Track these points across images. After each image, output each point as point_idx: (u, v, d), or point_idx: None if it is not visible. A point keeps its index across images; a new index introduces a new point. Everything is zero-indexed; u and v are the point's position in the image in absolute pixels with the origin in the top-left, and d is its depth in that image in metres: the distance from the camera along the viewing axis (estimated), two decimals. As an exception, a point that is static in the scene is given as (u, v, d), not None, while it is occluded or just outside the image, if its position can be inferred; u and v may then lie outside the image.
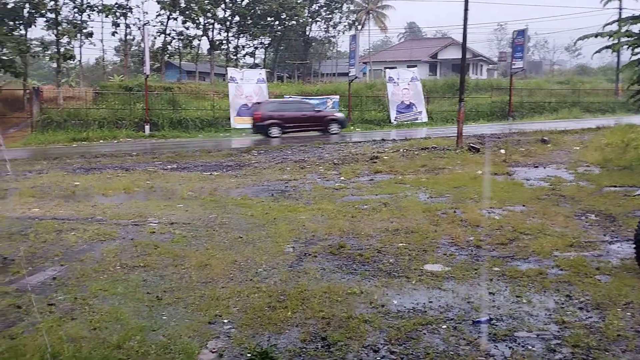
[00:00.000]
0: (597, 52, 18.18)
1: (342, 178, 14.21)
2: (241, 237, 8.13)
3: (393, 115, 32.85)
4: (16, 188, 13.28)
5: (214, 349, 4.45)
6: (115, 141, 26.50)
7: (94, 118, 29.02)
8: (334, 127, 26.39)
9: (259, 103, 26.83)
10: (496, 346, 4.39)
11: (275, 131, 25.09)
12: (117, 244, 7.87)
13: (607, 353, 4.21)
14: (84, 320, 5.02)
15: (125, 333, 4.68)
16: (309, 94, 34.36)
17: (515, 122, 30.53)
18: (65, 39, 35.11)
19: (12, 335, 4.67)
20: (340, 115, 27.96)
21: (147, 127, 28.33)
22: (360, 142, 22.08)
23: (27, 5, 32.89)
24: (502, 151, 17.40)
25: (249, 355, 4.25)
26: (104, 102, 31.60)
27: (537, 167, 14.95)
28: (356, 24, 59.87)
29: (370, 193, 11.86)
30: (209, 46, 47.30)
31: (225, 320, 5.05)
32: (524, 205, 9.91)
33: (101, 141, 26.42)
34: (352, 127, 30.39)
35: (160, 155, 19.57)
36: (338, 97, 32.51)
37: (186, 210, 10.37)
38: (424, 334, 4.66)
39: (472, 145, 17.96)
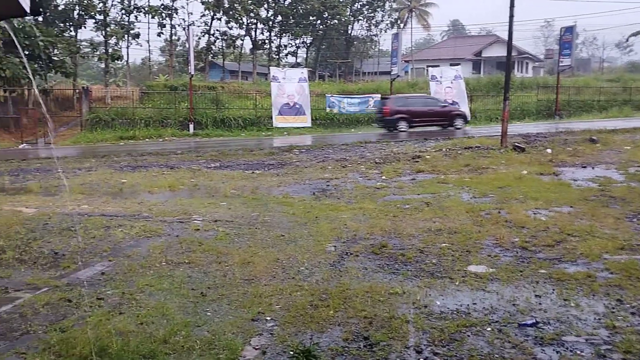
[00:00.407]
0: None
1: (383, 177, 14.14)
2: (283, 236, 8.19)
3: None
4: (67, 185, 13.72)
5: (257, 346, 4.50)
6: (161, 140, 27.07)
7: (140, 117, 29.71)
8: (459, 122, 27.26)
9: (386, 98, 27.95)
10: (543, 350, 4.29)
11: (402, 125, 26.07)
12: (162, 240, 8.04)
13: (661, 360, 4.06)
14: (131, 315, 5.15)
15: (171, 328, 4.78)
16: (350, 92, 34.32)
17: (562, 121, 29.76)
18: (113, 40, 36.09)
19: (62, 328, 4.82)
20: (464, 110, 28.88)
21: (191, 126, 28.83)
22: (402, 140, 21.91)
23: (77, 7, 33.96)
24: (549, 151, 16.98)
25: (291, 353, 4.28)
26: (150, 101, 32.32)
27: (585, 167, 14.53)
28: (398, 22, 59.44)
29: (412, 192, 11.76)
30: (251, 46, 47.78)
31: (268, 318, 5.09)
32: (571, 207, 9.65)
33: (147, 139, 27.03)
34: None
35: (204, 153, 19.89)
36: (380, 95, 32.32)
37: (229, 208, 10.50)
38: (468, 335, 4.60)
39: (517, 144, 17.59)
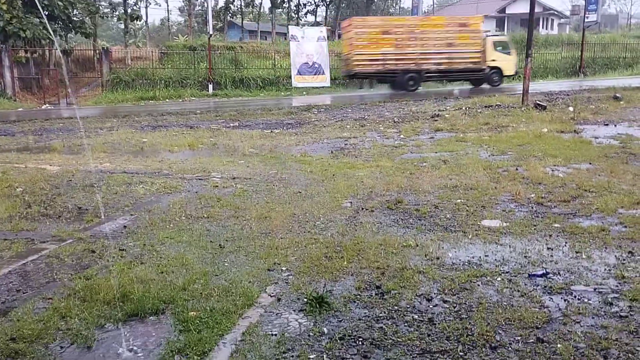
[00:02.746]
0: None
1: (402, 136, 14.13)
2: (300, 192, 8.31)
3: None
4: (89, 144, 13.98)
5: (273, 293, 4.65)
6: (181, 100, 27.21)
7: (160, 77, 29.82)
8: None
9: None
10: (551, 298, 4.37)
11: None
12: (182, 196, 8.22)
13: (667, 308, 4.12)
14: (152, 265, 5.34)
15: (190, 277, 4.96)
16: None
17: (586, 79, 29.12)
18: (132, 0, 35.95)
19: (87, 277, 5.03)
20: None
21: (210, 86, 28.88)
22: (422, 100, 21.74)
23: (95, -33, 33.80)
24: (570, 109, 16.73)
25: (305, 299, 4.43)
26: (169, 62, 32.34)
27: (607, 125, 14.33)
28: (420, -22, 58.01)
29: (430, 151, 11.77)
30: (270, 5, 47.21)
31: (284, 268, 5.24)
32: (590, 163, 9.59)
33: (167, 100, 27.19)
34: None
35: (223, 113, 19.99)
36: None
37: (247, 166, 10.64)
38: (478, 285, 4.69)
39: (538, 102, 17.35)
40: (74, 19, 30.55)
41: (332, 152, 12.14)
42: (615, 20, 68.57)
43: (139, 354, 3.70)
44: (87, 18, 32.44)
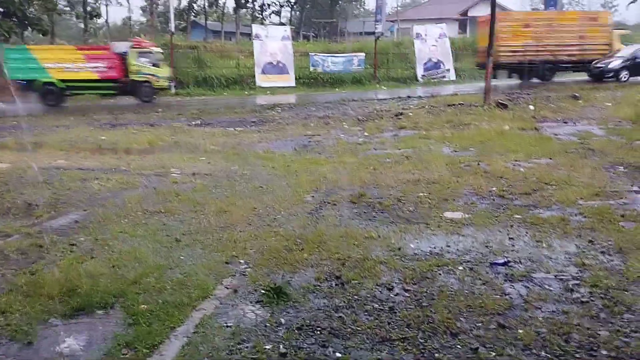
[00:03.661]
0: (632, 1, 17.38)
1: (365, 134, 14.07)
2: (261, 187, 8.14)
3: (420, 72, 32.17)
4: (44, 142, 13.50)
5: (229, 285, 4.48)
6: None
7: (120, 76, 29.07)
8: None
9: None
10: (512, 286, 4.32)
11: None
12: (139, 192, 7.95)
13: (626, 293, 4.10)
14: (103, 259, 5.10)
15: (143, 270, 4.75)
16: (335, 52, 33.84)
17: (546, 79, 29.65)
18: (91, -2, 35.14)
19: (32, 272, 4.77)
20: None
21: (172, 85, 28.36)
22: (385, 99, 21.80)
23: (53, -37, 32.88)
24: (531, 107, 16.96)
25: (262, 291, 4.27)
26: (131, 61, 31.57)
27: (566, 122, 14.54)
28: (384, -19, 58.38)
29: (394, 148, 11.73)
30: (234, 5, 46.86)
31: (242, 261, 5.08)
32: (550, 158, 9.67)
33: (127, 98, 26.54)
34: (377, 85, 29.96)
35: (185, 112, 19.66)
36: (364, 54, 31.93)
37: (208, 162, 10.41)
38: (440, 274, 4.62)
39: (500, 101, 17.54)
40: (30, 15, 29.65)
41: (295, 149, 11.99)
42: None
43: (84, 349, 3.49)
44: (44, 15, 31.52)
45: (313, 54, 31.41)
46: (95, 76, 23.61)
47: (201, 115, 18.71)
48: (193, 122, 17.15)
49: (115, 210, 6.91)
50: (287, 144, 12.89)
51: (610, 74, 25.63)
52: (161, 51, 25.54)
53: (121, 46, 24.22)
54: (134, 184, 8.45)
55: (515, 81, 28.59)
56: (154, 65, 23.87)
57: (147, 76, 23.57)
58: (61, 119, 18.08)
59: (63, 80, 23.10)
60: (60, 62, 23.35)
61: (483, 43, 26.63)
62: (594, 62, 26.38)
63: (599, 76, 25.91)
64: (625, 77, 25.40)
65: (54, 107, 22.67)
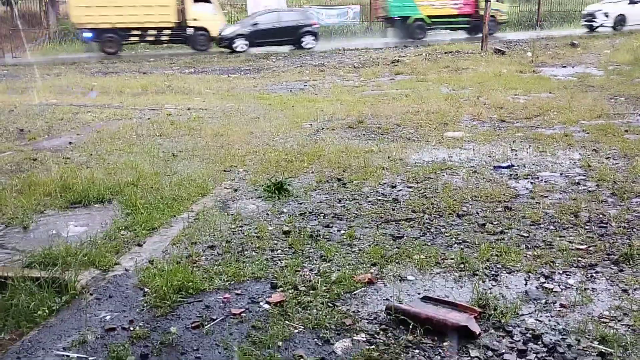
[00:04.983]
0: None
1: (362, 79, 13.87)
2: (258, 118, 8.00)
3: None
4: (35, 87, 13.25)
5: (229, 186, 4.39)
6: (133, 52, 26.14)
7: (111, 30, 28.54)
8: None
9: None
10: (517, 182, 4.24)
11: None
12: (133, 121, 7.80)
13: (633, 184, 4.03)
14: (98, 168, 4.99)
15: (139, 175, 4.64)
16: (328, 4, 33.19)
17: (543, 32, 29.25)
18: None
19: (26, 177, 4.65)
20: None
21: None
22: (381, 48, 21.49)
23: None
24: (529, 54, 16.73)
25: (262, 189, 4.18)
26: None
27: (565, 67, 14.34)
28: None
29: (391, 89, 11.55)
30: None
31: (241, 170, 4.98)
32: (550, 93, 9.56)
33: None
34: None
35: (177, 61, 19.33)
36: (359, 6, 31.31)
37: (203, 101, 10.23)
38: (443, 175, 4.54)
39: (497, 48, 17.30)
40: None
41: (291, 91, 11.81)
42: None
43: (81, 231, 3.40)
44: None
45: (307, 6, 30.77)
46: (455, 12, 24.69)
47: (194, 64, 18.40)
48: (186, 70, 16.87)
49: (109, 134, 6.76)
50: (282, 87, 12.70)
51: (225, 43, 21.97)
52: None
53: None
54: (128, 116, 8.29)
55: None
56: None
57: (494, 12, 24.15)
58: (53, 69, 17.71)
59: (430, 17, 24.36)
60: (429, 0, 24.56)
61: None
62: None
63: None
64: (243, 47, 21.68)
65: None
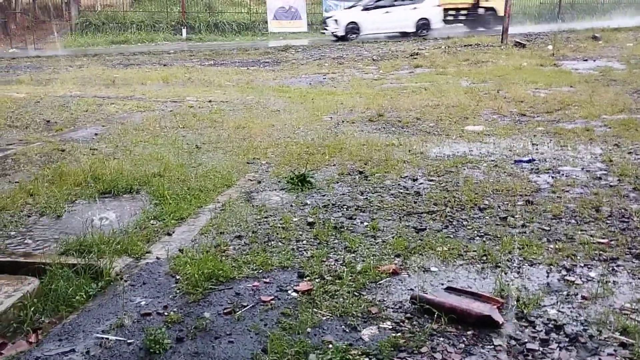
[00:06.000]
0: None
1: (381, 71, 13.89)
2: (278, 111, 8.09)
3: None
4: (58, 78, 13.47)
5: (252, 178, 4.48)
6: (154, 44, 26.37)
7: (131, 21, 28.82)
8: None
9: None
10: (538, 176, 4.28)
11: None
12: (156, 113, 7.93)
13: (657, 180, 4.05)
14: (125, 160, 5.11)
15: (165, 167, 4.75)
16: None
17: (564, 24, 28.92)
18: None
19: (56, 167, 4.78)
20: None
21: (184, 31, 28.00)
22: (400, 40, 21.44)
23: None
24: (550, 47, 16.59)
25: (285, 179, 4.27)
26: (140, 7, 31.23)
27: (586, 60, 14.22)
28: None
29: (410, 82, 11.57)
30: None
31: (264, 162, 5.07)
32: (571, 87, 9.50)
33: (139, 44, 26.32)
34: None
35: (197, 53, 19.50)
36: None
37: (224, 93, 10.35)
38: (464, 169, 4.59)
39: (517, 41, 17.19)
40: None
41: (310, 84, 11.88)
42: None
43: (112, 220, 3.52)
44: None
45: (325, -1, 30.70)
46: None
47: (214, 57, 18.55)
48: (206, 63, 17.02)
49: (133, 126, 6.90)
50: (301, 80, 12.78)
51: None
52: None
53: None
54: (150, 108, 8.43)
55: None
56: None
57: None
58: (75, 60, 17.96)
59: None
60: None
61: None
62: None
63: None
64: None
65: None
